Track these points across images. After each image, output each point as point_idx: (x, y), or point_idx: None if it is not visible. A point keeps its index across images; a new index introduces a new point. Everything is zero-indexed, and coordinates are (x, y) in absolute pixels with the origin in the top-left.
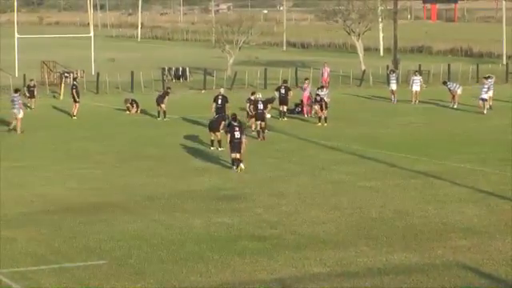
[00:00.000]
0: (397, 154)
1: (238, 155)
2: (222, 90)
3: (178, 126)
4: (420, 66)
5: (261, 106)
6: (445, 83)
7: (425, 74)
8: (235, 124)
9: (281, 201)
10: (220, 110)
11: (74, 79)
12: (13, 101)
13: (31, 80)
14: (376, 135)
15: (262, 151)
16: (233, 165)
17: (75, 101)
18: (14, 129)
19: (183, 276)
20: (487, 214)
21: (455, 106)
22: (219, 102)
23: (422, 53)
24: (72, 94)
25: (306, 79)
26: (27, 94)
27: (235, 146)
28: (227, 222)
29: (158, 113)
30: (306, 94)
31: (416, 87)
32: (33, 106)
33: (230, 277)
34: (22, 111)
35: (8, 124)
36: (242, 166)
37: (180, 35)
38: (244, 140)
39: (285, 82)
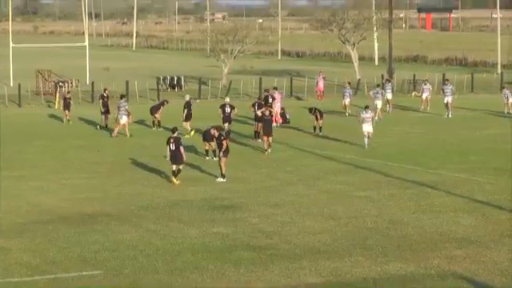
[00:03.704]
0: (392, 164)
1: (174, 167)
2: (227, 99)
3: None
4: (415, 75)
5: (228, 110)
6: (447, 81)
7: (419, 83)
8: (172, 136)
9: (276, 211)
10: (228, 117)
11: (105, 96)
12: (118, 107)
13: (68, 92)
14: (371, 145)
15: (256, 161)
16: (173, 176)
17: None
18: (124, 133)
19: (178, 286)
20: (482, 224)
21: (450, 116)
22: (227, 109)
23: (416, 62)
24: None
25: (275, 88)
26: (62, 107)
27: (172, 157)
28: (222, 231)
29: (153, 122)
30: (277, 103)
31: (426, 94)
32: (68, 119)
33: (225, 287)
34: (124, 117)
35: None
36: (220, 179)
37: (175, 44)
38: (182, 150)
39: (271, 89)
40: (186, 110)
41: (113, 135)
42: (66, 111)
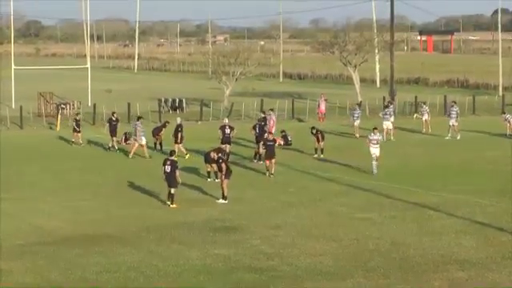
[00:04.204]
0: (393, 186)
1: (172, 190)
2: (226, 120)
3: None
4: (416, 97)
5: (228, 131)
6: (453, 102)
7: (420, 106)
8: (169, 158)
9: (277, 232)
10: (228, 138)
11: (113, 120)
12: (135, 129)
13: (77, 114)
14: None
15: (258, 182)
16: (169, 199)
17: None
18: (143, 155)
19: None
20: (484, 246)
21: (458, 137)
22: (227, 131)
23: (418, 84)
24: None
25: (271, 109)
26: (76, 129)
27: (166, 179)
28: (224, 253)
29: (155, 144)
30: (272, 123)
31: (426, 116)
32: (80, 141)
33: None
34: (143, 138)
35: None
36: (221, 201)
37: (176, 66)
38: (177, 173)
39: (267, 111)
40: (180, 134)
41: (147, 156)
42: (76, 133)
